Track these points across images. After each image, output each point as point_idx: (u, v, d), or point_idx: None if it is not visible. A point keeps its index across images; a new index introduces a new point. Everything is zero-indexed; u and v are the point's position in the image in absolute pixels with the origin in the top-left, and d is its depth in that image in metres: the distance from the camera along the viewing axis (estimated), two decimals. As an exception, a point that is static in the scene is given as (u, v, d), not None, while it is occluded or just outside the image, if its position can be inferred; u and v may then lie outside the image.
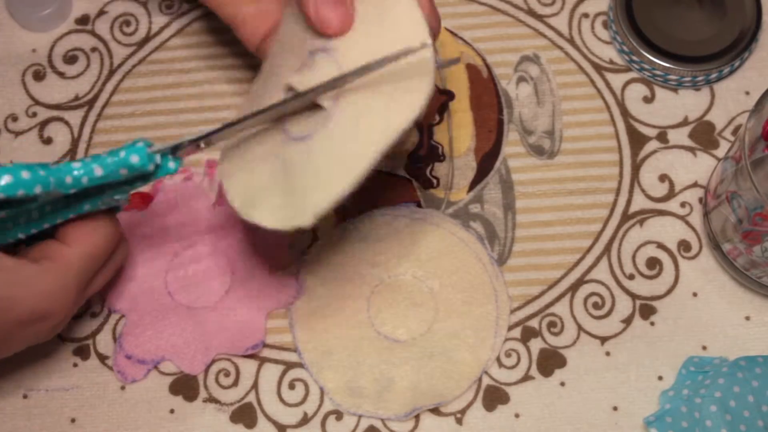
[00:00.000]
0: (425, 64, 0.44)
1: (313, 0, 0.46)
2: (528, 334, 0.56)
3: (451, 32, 0.63)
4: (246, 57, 0.62)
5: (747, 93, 0.61)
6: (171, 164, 0.46)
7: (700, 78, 0.60)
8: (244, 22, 0.53)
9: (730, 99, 0.61)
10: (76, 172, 0.44)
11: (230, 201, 0.48)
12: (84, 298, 0.50)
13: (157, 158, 0.45)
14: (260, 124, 0.48)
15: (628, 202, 0.58)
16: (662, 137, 0.60)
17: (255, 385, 0.55)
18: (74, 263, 0.47)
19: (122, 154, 0.44)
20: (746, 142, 0.50)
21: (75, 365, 0.56)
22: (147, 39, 0.63)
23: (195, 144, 0.46)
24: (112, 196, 0.47)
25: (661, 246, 0.58)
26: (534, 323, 0.56)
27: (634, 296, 0.56)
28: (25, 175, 0.42)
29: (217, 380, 0.55)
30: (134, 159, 0.44)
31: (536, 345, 0.56)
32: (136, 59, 0.63)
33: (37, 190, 0.43)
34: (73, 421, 0.54)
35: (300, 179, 0.46)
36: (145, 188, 0.59)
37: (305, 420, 0.54)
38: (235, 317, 0.56)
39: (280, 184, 0.47)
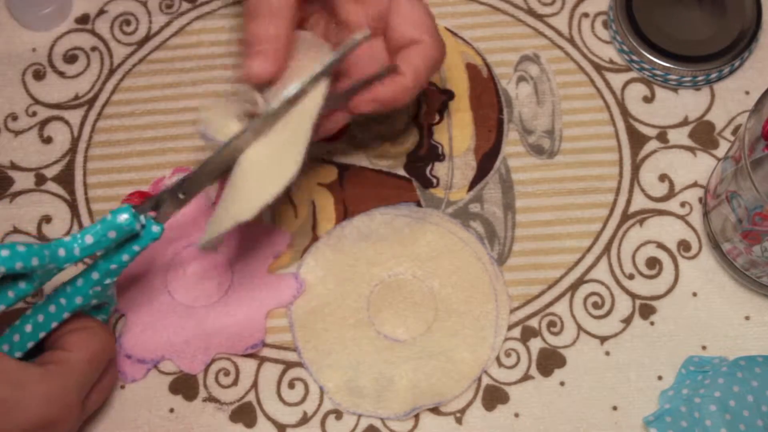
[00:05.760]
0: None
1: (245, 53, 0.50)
2: (528, 334, 0.56)
3: (451, 32, 0.63)
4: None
5: (747, 93, 0.61)
6: (155, 228, 0.48)
7: (700, 78, 0.60)
8: None
9: (730, 99, 0.61)
10: (68, 244, 0.46)
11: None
12: (85, 412, 0.50)
13: (142, 219, 0.47)
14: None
15: (628, 201, 0.59)
16: (662, 137, 0.60)
17: (255, 385, 0.55)
18: (76, 367, 0.48)
19: (108, 216, 0.46)
20: (746, 141, 0.50)
21: (75, 364, 0.55)
22: (147, 38, 0.63)
23: (174, 195, 0.49)
24: (102, 282, 0.48)
25: (660, 246, 0.58)
26: (534, 323, 0.56)
27: (633, 296, 0.56)
28: (20, 248, 0.44)
29: (216, 379, 0.55)
30: (121, 218, 0.46)
31: (536, 345, 0.56)
32: (136, 58, 0.63)
33: (34, 261, 0.45)
34: (72, 420, 0.54)
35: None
36: (145, 188, 0.59)
37: (305, 419, 0.54)
38: (235, 316, 0.56)
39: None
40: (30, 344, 0.49)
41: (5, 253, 0.44)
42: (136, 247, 0.48)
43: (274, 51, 0.50)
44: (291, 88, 0.49)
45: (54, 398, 0.46)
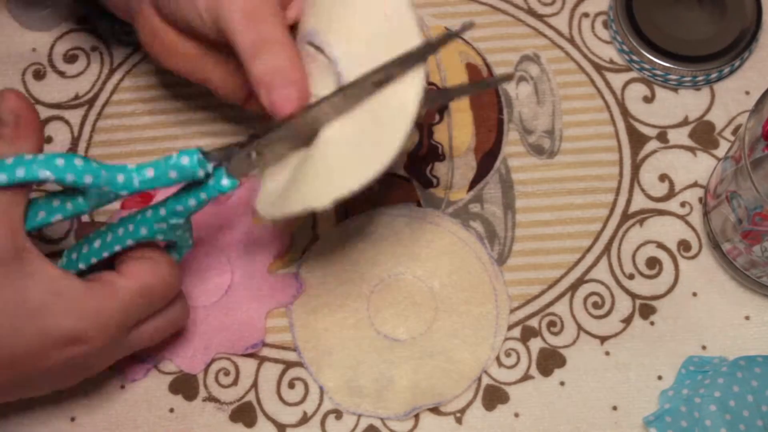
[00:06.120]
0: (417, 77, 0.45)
1: (264, 90, 0.47)
2: (528, 334, 0.56)
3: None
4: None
5: (747, 93, 0.61)
6: (225, 181, 0.46)
7: (700, 78, 0.60)
8: (217, 90, 0.54)
9: (730, 99, 0.61)
10: (128, 172, 0.45)
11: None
12: (130, 345, 0.49)
13: (209, 167, 0.45)
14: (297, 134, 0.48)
15: (628, 201, 0.58)
16: (662, 137, 0.60)
17: (255, 384, 0.55)
18: (122, 293, 0.46)
19: (174, 156, 0.45)
20: (746, 141, 0.50)
21: (75, 364, 0.55)
22: (147, 38, 0.63)
23: (246, 152, 0.46)
24: (168, 220, 0.47)
25: (660, 246, 0.58)
26: (534, 323, 0.56)
27: (633, 296, 0.56)
28: (78, 162, 0.44)
29: (216, 379, 0.55)
30: (184, 160, 0.45)
31: (536, 344, 0.56)
32: (137, 58, 0.63)
33: (87, 179, 0.44)
34: (72, 419, 0.54)
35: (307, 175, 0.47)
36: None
37: (305, 419, 0.54)
38: (235, 316, 0.56)
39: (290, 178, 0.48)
40: (93, 260, 0.48)
41: (60, 162, 0.43)
42: (203, 195, 0.46)
43: (303, 81, 0.47)
44: (377, 65, 0.45)
45: (88, 315, 0.45)
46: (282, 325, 0.56)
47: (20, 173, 0.43)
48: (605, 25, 0.63)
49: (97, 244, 0.48)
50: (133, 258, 0.48)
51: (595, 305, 0.56)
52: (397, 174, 0.59)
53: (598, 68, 0.62)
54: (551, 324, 0.56)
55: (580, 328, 0.56)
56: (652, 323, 0.56)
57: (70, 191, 0.46)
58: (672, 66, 0.60)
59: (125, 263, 0.47)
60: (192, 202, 0.47)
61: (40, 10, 0.62)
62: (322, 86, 0.48)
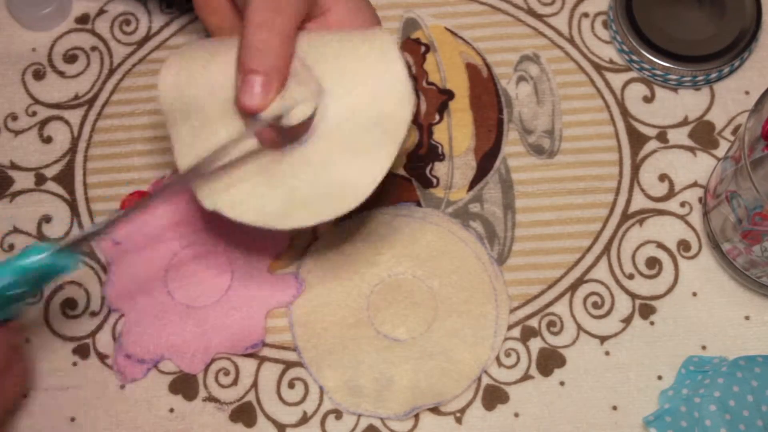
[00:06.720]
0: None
1: (241, 74, 0.46)
2: (527, 334, 0.56)
3: (451, 32, 0.63)
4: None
5: (747, 93, 0.61)
6: (65, 262, 0.46)
7: (699, 78, 0.60)
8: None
9: (730, 99, 0.61)
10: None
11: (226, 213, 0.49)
12: None
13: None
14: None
15: (628, 201, 0.59)
16: (662, 137, 0.60)
17: (254, 384, 0.55)
18: None
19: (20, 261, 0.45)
20: (746, 141, 0.50)
21: (75, 364, 0.56)
22: (147, 38, 0.63)
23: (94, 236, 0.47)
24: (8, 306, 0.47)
25: (660, 246, 0.58)
26: (533, 323, 0.56)
27: (633, 296, 0.56)
28: None
29: (216, 379, 0.55)
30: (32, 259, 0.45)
31: (536, 344, 0.56)
32: (136, 58, 0.63)
33: None
34: (72, 420, 0.54)
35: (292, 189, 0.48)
36: (145, 188, 0.59)
37: (305, 419, 0.54)
38: (235, 316, 0.56)
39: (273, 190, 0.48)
40: None
41: None
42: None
43: (279, 84, 0.46)
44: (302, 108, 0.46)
45: None
46: (282, 325, 0.56)
47: None
48: (605, 25, 0.63)
49: None
50: None
51: (595, 305, 0.56)
52: (397, 174, 0.59)
53: (598, 68, 0.62)
54: (551, 324, 0.56)
55: (580, 328, 0.56)
56: (652, 323, 0.56)
57: None
58: (672, 66, 0.60)
59: None
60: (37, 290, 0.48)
61: (41, 10, 0.62)
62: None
